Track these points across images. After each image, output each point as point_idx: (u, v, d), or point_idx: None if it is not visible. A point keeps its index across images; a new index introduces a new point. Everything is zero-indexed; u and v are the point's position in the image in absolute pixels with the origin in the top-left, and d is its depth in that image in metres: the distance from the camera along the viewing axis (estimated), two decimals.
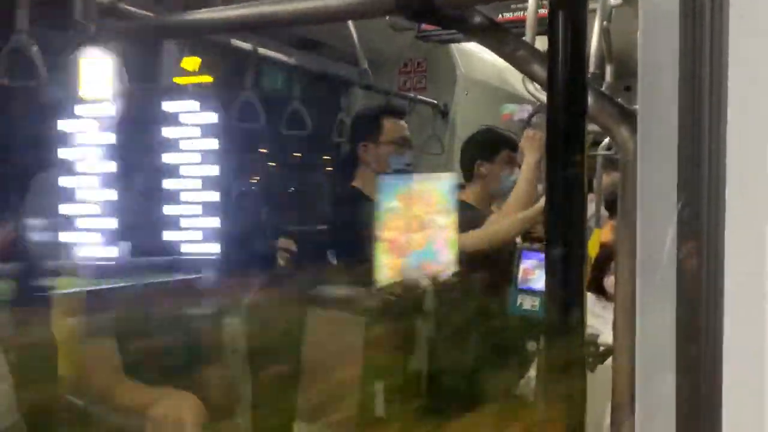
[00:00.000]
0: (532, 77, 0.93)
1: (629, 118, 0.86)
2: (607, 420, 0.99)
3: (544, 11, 2.31)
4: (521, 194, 2.71)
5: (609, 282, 2.86)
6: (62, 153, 2.20)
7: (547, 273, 0.85)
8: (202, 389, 1.43)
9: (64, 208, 2.12)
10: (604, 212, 4.10)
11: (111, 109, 2.00)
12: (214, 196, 2.36)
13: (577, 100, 0.79)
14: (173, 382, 1.43)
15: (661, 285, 0.65)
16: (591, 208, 4.11)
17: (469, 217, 2.92)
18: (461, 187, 4.02)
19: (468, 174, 3.11)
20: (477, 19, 0.93)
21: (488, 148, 3.06)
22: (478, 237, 2.69)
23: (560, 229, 0.82)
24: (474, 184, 3.08)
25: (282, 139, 3.10)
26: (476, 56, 4.57)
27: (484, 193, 3.06)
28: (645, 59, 0.71)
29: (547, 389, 0.95)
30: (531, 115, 3.90)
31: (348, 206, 2.46)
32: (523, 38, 1.89)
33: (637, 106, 0.73)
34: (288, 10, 1.10)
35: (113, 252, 2.13)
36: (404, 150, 2.51)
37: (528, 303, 2.48)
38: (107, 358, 1.53)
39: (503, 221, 2.81)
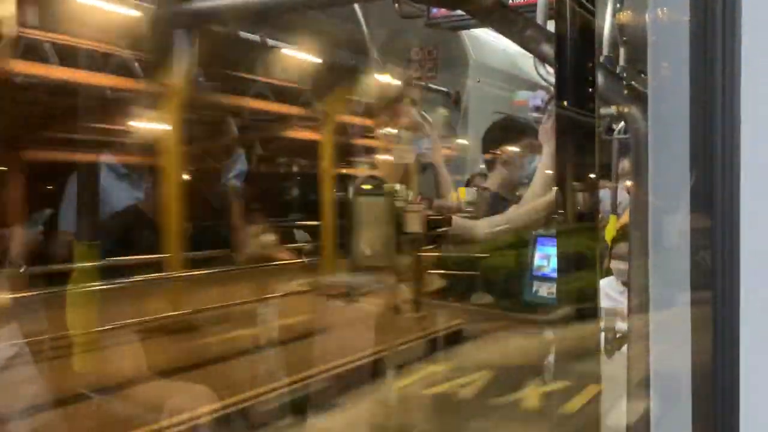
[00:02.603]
0: (542, 58, 0.91)
1: (640, 98, 0.84)
2: (624, 404, 0.97)
3: None
4: (540, 183, 2.71)
5: (614, 264, 2.85)
6: None
7: (558, 257, 0.83)
8: None
9: None
10: (624, 197, 4.05)
11: None
12: None
13: (586, 78, 0.78)
14: None
15: (674, 266, 0.63)
16: (609, 195, 4.07)
17: (492, 203, 2.93)
18: (482, 173, 4.00)
19: (490, 162, 3.12)
20: (486, 0, 0.91)
21: (509, 136, 3.06)
22: (489, 222, 2.68)
23: (570, 213, 0.80)
24: (497, 172, 3.09)
25: None
26: (487, 43, 4.54)
27: (507, 180, 3.07)
28: (655, 37, 0.69)
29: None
30: (547, 102, 3.86)
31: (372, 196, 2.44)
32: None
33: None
34: None
35: None
36: (421, 135, 2.51)
37: (544, 290, 2.46)
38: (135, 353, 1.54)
39: (519, 209, 2.80)
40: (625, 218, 3.80)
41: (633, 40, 2.85)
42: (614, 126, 3.82)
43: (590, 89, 0.78)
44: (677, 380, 0.66)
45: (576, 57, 0.79)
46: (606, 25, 2.70)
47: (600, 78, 0.82)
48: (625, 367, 0.95)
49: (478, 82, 4.39)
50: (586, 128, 0.79)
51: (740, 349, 0.60)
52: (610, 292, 2.74)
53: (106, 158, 2.19)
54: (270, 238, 2.28)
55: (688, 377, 0.64)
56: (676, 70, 0.66)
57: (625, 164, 4.06)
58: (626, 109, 0.87)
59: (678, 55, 0.65)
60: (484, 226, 2.67)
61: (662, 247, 0.67)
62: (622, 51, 2.93)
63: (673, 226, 0.66)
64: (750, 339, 0.59)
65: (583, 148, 0.78)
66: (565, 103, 0.77)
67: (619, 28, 2.76)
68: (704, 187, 0.61)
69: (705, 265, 0.61)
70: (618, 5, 2.68)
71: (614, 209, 3.98)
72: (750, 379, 0.60)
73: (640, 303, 0.86)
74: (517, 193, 3.12)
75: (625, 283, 2.78)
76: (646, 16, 0.70)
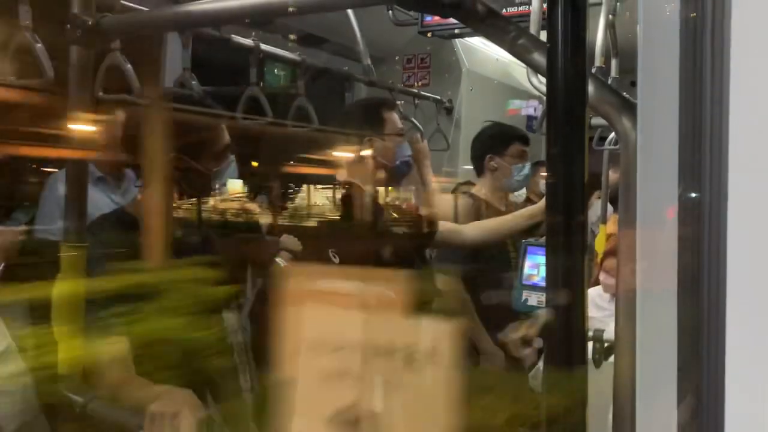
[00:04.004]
0: (534, 67, 0.91)
1: (631, 109, 0.84)
2: (611, 417, 0.97)
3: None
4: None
5: (602, 278, 2.85)
6: None
7: (547, 267, 0.83)
8: None
9: None
10: (610, 208, 4.08)
11: None
12: None
13: (577, 88, 0.78)
14: None
15: (662, 278, 0.63)
16: (598, 205, 4.10)
17: (478, 210, 2.92)
18: (468, 182, 4.00)
19: (479, 168, 3.11)
20: (478, 8, 0.91)
21: (499, 142, 3.05)
22: (479, 229, 2.68)
23: (561, 222, 0.80)
24: (485, 178, 3.08)
25: None
26: (480, 52, 4.55)
27: (495, 187, 3.06)
28: (645, 51, 0.69)
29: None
30: (543, 114, 3.87)
31: (348, 201, 2.41)
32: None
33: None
34: (287, 1, 1.09)
35: None
36: (403, 142, 2.51)
37: (534, 299, 2.46)
38: (119, 354, 1.53)
39: (507, 216, 2.80)
40: (610, 227, 3.83)
41: (625, 52, 2.86)
42: (605, 136, 3.85)
43: (582, 99, 0.78)
44: (663, 389, 0.66)
45: (568, 67, 0.79)
46: (599, 36, 2.72)
47: (592, 88, 0.82)
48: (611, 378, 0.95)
49: (471, 90, 4.39)
50: (577, 138, 0.79)
51: (726, 358, 0.60)
52: (599, 301, 2.75)
53: None
54: None
55: (673, 386, 0.64)
56: (666, 81, 0.66)
57: (614, 175, 4.09)
58: (614, 117, 0.87)
59: (668, 66, 0.66)
60: (473, 232, 2.66)
61: (650, 257, 0.67)
62: (614, 62, 2.94)
63: (660, 236, 0.66)
64: (735, 348, 0.60)
65: (574, 158, 0.78)
66: (557, 112, 0.78)
67: (612, 40, 2.77)
68: (692, 197, 0.61)
69: (692, 276, 0.61)
70: (611, 17, 2.70)
71: (604, 219, 4.01)
72: (735, 388, 0.60)
73: (627, 313, 0.86)
74: (508, 200, 3.11)
75: (614, 295, 2.79)
76: (637, 27, 0.71)
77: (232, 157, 1.76)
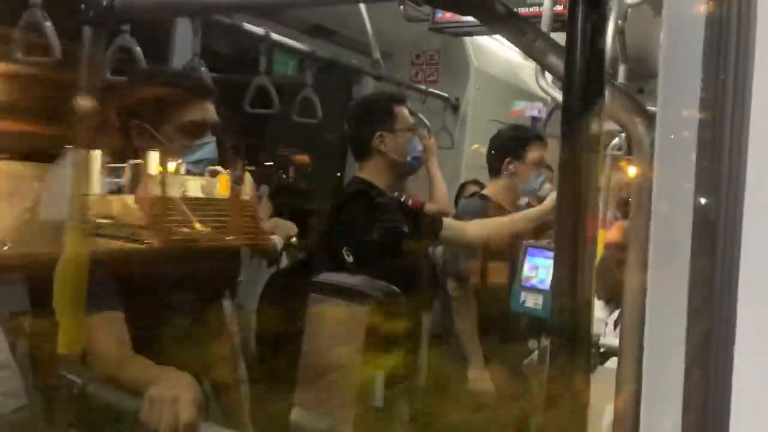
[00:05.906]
0: (550, 70, 0.91)
1: (645, 114, 0.84)
2: (606, 422, 0.97)
3: (559, 7, 2.28)
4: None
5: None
6: None
7: (554, 272, 0.83)
8: None
9: None
10: (609, 214, 4.08)
11: None
12: None
13: (594, 93, 0.78)
14: None
15: (673, 286, 0.63)
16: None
17: (487, 211, 2.90)
18: (477, 183, 3.98)
19: (494, 169, 3.07)
20: (495, 6, 0.91)
21: (521, 145, 3.02)
22: (483, 227, 2.66)
23: (571, 227, 0.80)
24: (499, 180, 3.05)
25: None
26: (489, 51, 4.54)
27: (508, 190, 3.03)
28: (667, 57, 0.69)
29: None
30: (548, 116, 3.85)
31: (360, 200, 2.37)
32: None
33: (650, 108, 0.72)
34: None
35: None
36: (415, 137, 2.48)
37: (531, 301, 2.46)
38: (114, 330, 1.52)
39: (511, 216, 2.79)
40: (612, 234, 3.82)
41: (632, 58, 2.85)
42: (608, 142, 3.85)
43: (598, 104, 0.78)
44: (668, 398, 0.66)
45: (586, 71, 0.79)
46: (606, 41, 2.70)
47: (606, 93, 0.82)
48: (605, 383, 0.95)
49: (478, 89, 4.38)
50: (591, 143, 0.79)
51: (734, 367, 0.60)
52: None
53: None
54: None
55: (679, 395, 0.64)
56: (687, 85, 0.66)
57: (618, 179, 4.08)
58: (628, 122, 0.87)
59: (689, 75, 0.65)
60: (476, 230, 2.65)
61: (662, 264, 0.67)
62: (622, 68, 2.93)
63: (674, 243, 0.66)
64: (745, 359, 0.60)
65: (588, 162, 0.78)
66: (573, 116, 0.78)
67: (621, 46, 2.76)
68: (708, 205, 0.61)
69: (705, 284, 0.61)
70: (620, 23, 2.70)
71: (603, 224, 4.01)
72: (743, 398, 0.60)
73: (632, 319, 0.86)
74: (519, 203, 3.08)
75: (608, 301, 2.79)
76: (661, 35, 0.70)
77: (212, 138, 1.71)
